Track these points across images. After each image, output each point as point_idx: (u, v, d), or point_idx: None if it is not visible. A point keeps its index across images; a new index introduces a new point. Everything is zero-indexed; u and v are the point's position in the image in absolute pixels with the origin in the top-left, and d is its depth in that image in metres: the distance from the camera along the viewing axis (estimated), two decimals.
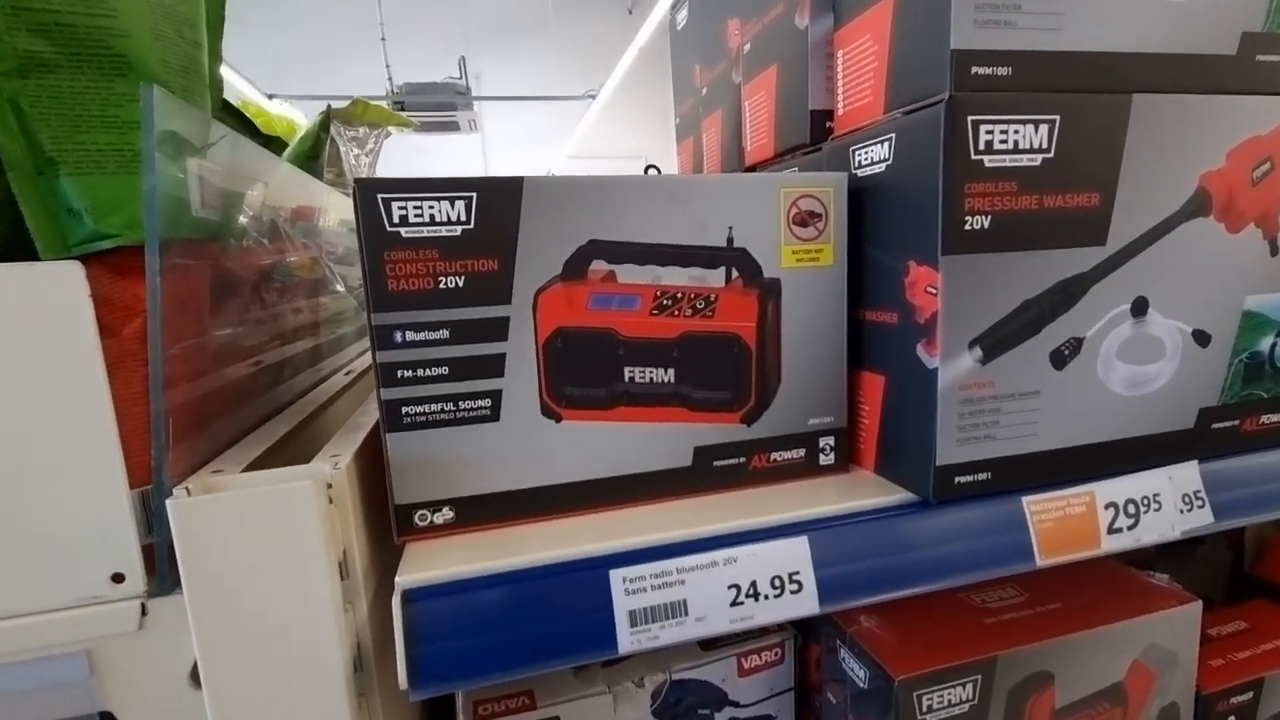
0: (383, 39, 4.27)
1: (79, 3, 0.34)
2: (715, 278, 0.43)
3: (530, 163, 5.96)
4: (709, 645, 0.55)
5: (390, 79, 4.20)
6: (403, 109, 3.95)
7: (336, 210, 0.74)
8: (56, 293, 0.32)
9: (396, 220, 0.37)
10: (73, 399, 0.33)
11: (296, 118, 0.94)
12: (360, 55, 4.47)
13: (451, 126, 4.21)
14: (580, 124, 5.07)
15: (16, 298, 0.32)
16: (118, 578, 0.35)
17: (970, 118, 0.38)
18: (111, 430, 0.34)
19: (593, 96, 4.62)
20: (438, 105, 3.96)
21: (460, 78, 4.17)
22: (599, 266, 0.41)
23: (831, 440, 0.48)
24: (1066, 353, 0.42)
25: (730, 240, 0.43)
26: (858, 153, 0.46)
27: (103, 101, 0.36)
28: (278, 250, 0.57)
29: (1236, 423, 0.48)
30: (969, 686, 0.48)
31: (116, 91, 0.36)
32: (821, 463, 0.48)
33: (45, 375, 0.33)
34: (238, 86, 3.48)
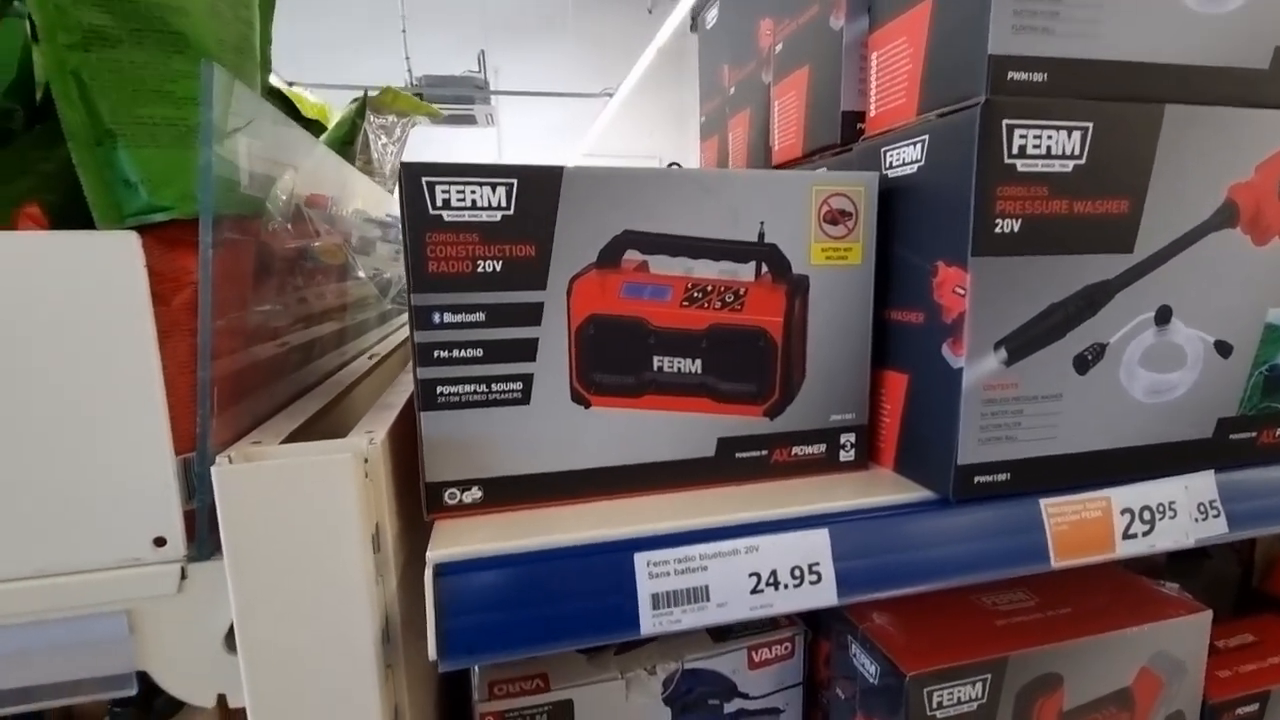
0: (403, 30, 4.29)
1: None
2: (745, 272, 0.44)
3: (545, 159, 5.97)
4: (721, 636, 0.56)
5: (410, 70, 4.22)
6: (421, 100, 3.97)
7: (355, 200, 0.75)
8: (113, 261, 0.33)
9: (440, 204, 0.38)
10: (125, 365, 0.34)
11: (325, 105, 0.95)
12: (381, 46, 4.50)
13: (468, 120, 4.23)
14: (597, 122, 5.08)
15: (75, 265, 0.33)
16: (159, 541, 0.36)
17: (1005, 122, 0.38)
18: (160, 397, 0.35)
19: (610, 95, 4.63)
20: (456, 98, 3.98)
21: (479, 72, 4.19)
22: (632, 256, 0.42)
23: (853, 437, 0.48)
24: (1090, 357, 0.43)
25: (761, 235, 0.44)
26: (889, 153, 0.46)
27: (160, 76, 0.37)
28: (306, 234, 0.58)
29: (1254, 434, 0.49)
30: (979, 685, 0.48)
31: (173, 67, 0.37)
32: (842, 459, 0.48)
33: (99, 341, 0.34)
34: None
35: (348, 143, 0.70)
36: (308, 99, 0.76)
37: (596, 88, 4.88)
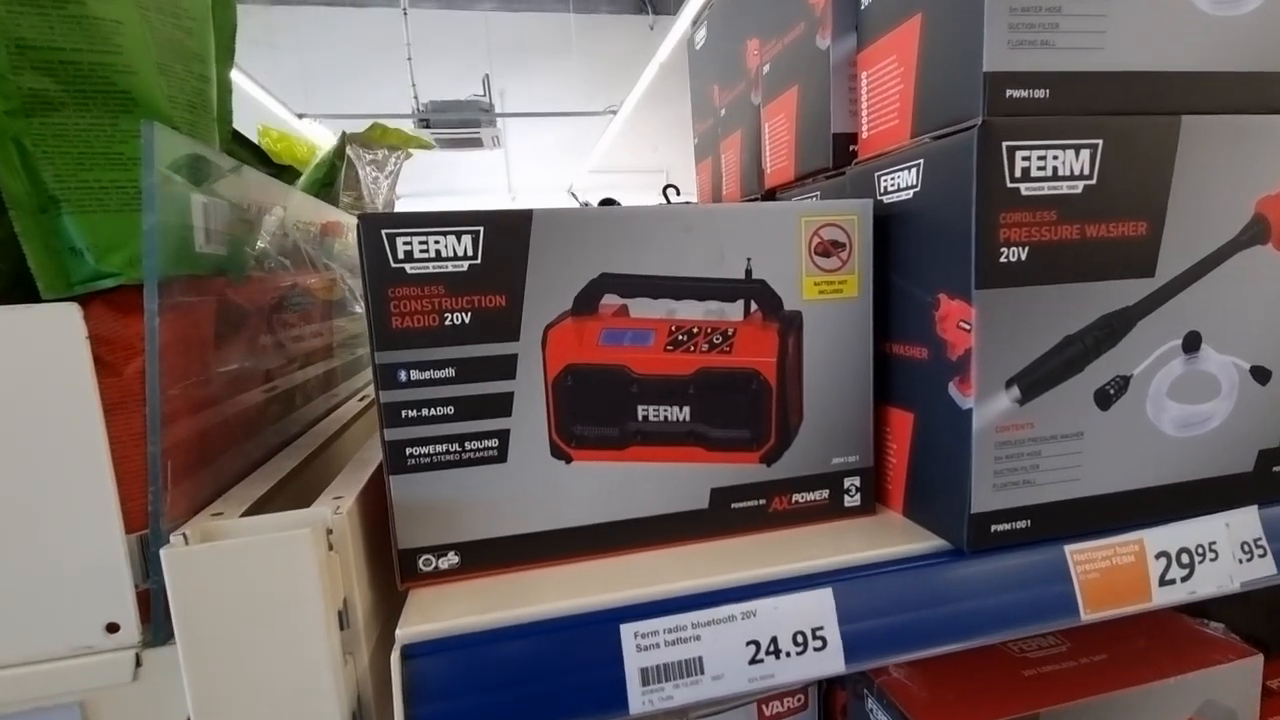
0: (409, 59, 4.36)
1: (83, 40, 0.34)
2: (733, 311, 0.41)
3: (552, 177, 6.01)
4: (734, 695, 0.52)
5: (416, 97, 4.28)
6: (428, 126, 4.02)
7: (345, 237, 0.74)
8: (53, 335, 0.32)
9: (401, 256, 0.36)
10: (68, 443, 0.32)
11: (326, 137, 0.94)
12: (387, 74, 4.57)
13: (475, 143, 4.27)
14: (602, 139, 5.10)
15: (13, 340, 0.31)
16: (112, 627, 0.34)
17: (1005, 144, 0.35)
18: (107, 475, 0.33)
19: (614, 112, 4.65)
20: (462, 122, 4.02)
21: (484, 95, 4.23)
22: (611, 301, 0.39)
23: (857, 480, 0.45)
24: (1112, 392, 0.40)
25: (749, 272, 0.41)
26: (883, 178, 0.43)
27: (107, 138, 0.35)
28: (298, 272, 0.57)
29: None
30: None
31: (121, 128, 0.35)
32: (846, 504, 0.45)
33: (41, 418, 0.32)
34: (269, 107, 3.57)
35: (328, 184, 0.68)
36: (295, 138, 0.76)
37: (600, 105, 4.90)
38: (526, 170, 5.97)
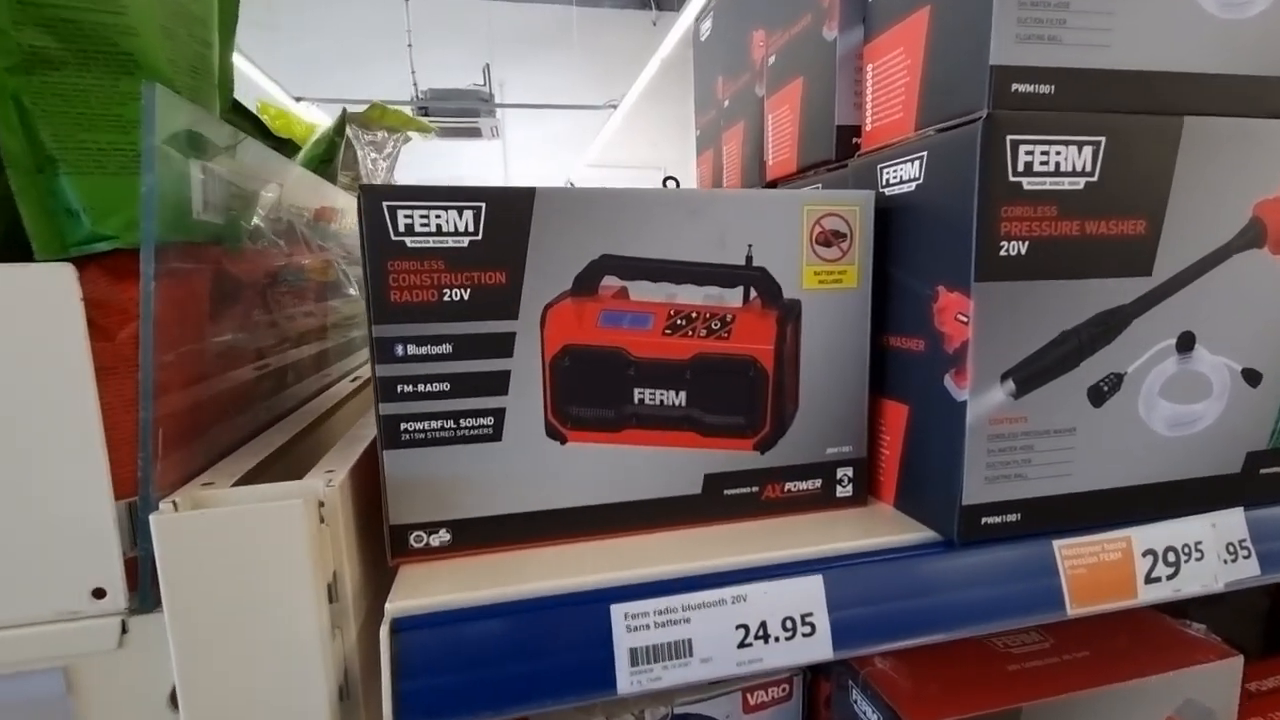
0: (409, 45, 4.32)
1: None
2: (733, 297, 0.41)
3: (550, 169, 6.00)
4: (722, 678, 0.52)
5: (415, 84, 4.25)
6: (427, 114, 3.99)
7: (353, 214, 0.73)
8: (47, 295, 0.31)
9: (402, 229, 0.36)
10: (60, 405, 0.32)
11: (322, 121, 0.94)
12: (387, 61, 4.53)
13: (474, 133, 4.25)
14: (601, 133, 5.09)
15: (5, 298, 0.31)
16: (99, 593, 0.33)
17: (1009, 137, 0.36)
18: (98, 439, 0.32)
19: (614, 106, 4.64)
20: (461, 111, 4.00)
21: (484, 85, 4.21)
22: (611, 283, 0.39)
23: (850, 471, 0.45)
24: (1106, 389, 0.40)
25: (749, 259, 0.41)
26: (886, 171, 0.44)
27: (107, 100, 0.35)
28: (292, 252, 0.56)
29: None
30: None
31: (122, 90, 0.35)
32: (838, 494, 0.45)
33: (33, 380, 0.32)
34: (266, 90, 3.54)
35: (326, 161, 0.68)
36: (293, 117, 0.75)
37: (600, 100, 4.89)
38: (524, 162, 5.95)
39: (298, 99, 3.93)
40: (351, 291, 0.77)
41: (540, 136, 5.78)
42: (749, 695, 0.53)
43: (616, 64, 4.89)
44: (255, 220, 0.48)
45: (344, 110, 0.69)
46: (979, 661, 0.50)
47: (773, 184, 0.61)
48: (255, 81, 3.34)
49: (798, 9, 0.53)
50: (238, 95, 0.50)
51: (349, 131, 0.74)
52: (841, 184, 0.49)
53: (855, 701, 0.50)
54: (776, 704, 0.54)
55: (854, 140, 0.50)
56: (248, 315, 0.46)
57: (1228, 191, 0.40)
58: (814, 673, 0.55)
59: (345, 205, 0.73)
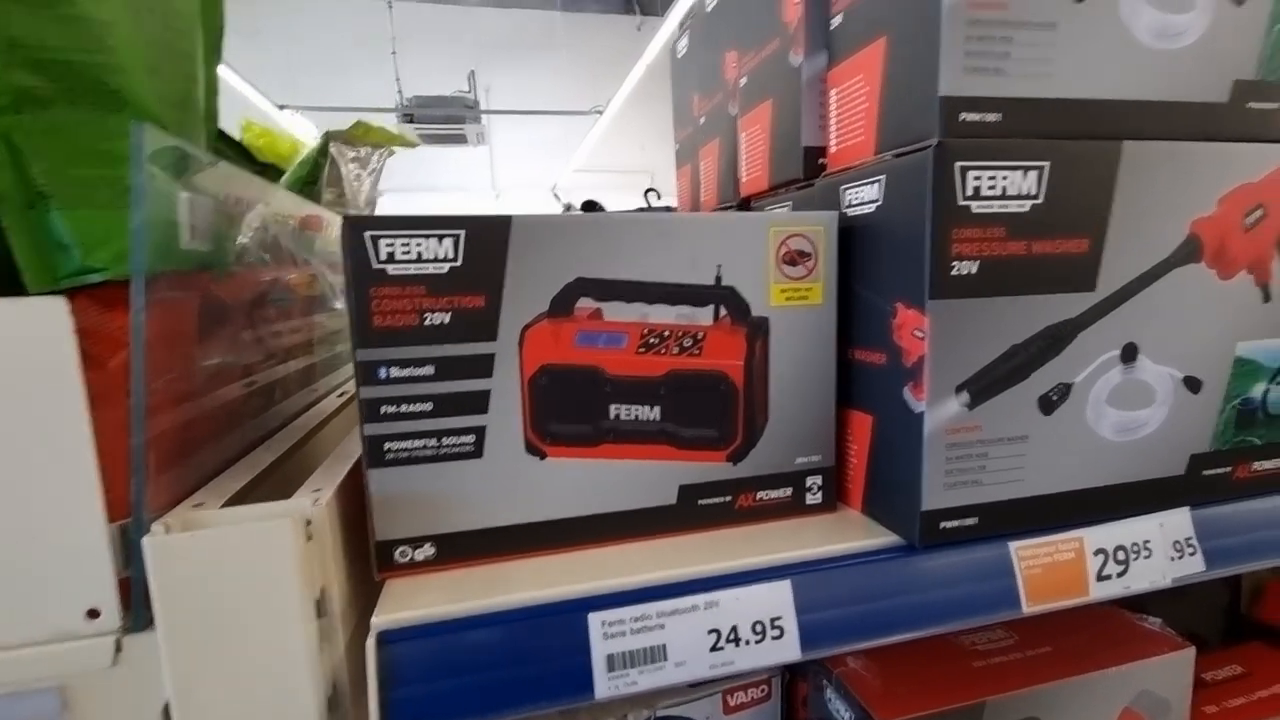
0: (394, 52, 4.32)
1: (75, 40, 0.34)
2: (703, 316, 0.43)
3: (537, 176, 6.00)
4: (695, 681, 0.54)
5: (400, 92, 4.25)
6: (412, 121, 3.99)
7: (338, 224, 0.74)
8: (40, 327, 0.32)
9: (384, 257, 0.37)
10: (54, 433, 0.33)
11: (306, 128, 0.94)
12: (371, 68, 4.53)
13: (459, 140, 4.25)
14: (587, 139, 5.10)
15: (1, 331, 0.32)
16: (92, 613, 0.35)
17: (958, 164, 0.38)
18: (91, 465, 0.34)
19: (600, 112, 4.66)
20: (446, 118, 4.00)
21: (469, 91, 4.21)
22: (586, 304, 0.41)
23: (819, 479, 0.47)
24: (1055, 398, 0.42)
25: (719, 278, 0.43)
26: (848, 192, 0.46)
27: (95, 136, 0.36)
28: (277, 268, 0.57)
29: (1229, 469, 0.48)
30: None
31: (110, 126, 0.36)
32: (808, 502, 0.47)
33: (27, 408, 0.33)
34: (249, 98, 3.52)
35: (310, 182, 0.69)
36: (277, 133, 0.76)
37: (586, 105, 4.91)
38: (511, 168, 5.94)
39: (281, 107, 3.91)
40: (337, 305, 0.78)
41: (526, 142, 5.79)
42: (729, 697, 0.55)
43: (602, 69, 4.92)
44: (242, 239, 0.49)
45: (327, 132, 0.70)
46: (947, 659, 0.52)
47: (746, 200, 0.63)
48: (239, 90, 3.33)
49: (766, 33, 0.56)
50: (220, 104, 0.51)
51: (332, 149, 0.75)
52: (810, 202, 0.52)
53: (830, 700, 0.52)
54: (756, 705, 0.56)
55: (820, 160, 0.52)
56: (235, 336, 0.48)
57: (1165, 211, 0.42)
58: (792, 674, 0.57)
59: (329, 219, 0.74)
